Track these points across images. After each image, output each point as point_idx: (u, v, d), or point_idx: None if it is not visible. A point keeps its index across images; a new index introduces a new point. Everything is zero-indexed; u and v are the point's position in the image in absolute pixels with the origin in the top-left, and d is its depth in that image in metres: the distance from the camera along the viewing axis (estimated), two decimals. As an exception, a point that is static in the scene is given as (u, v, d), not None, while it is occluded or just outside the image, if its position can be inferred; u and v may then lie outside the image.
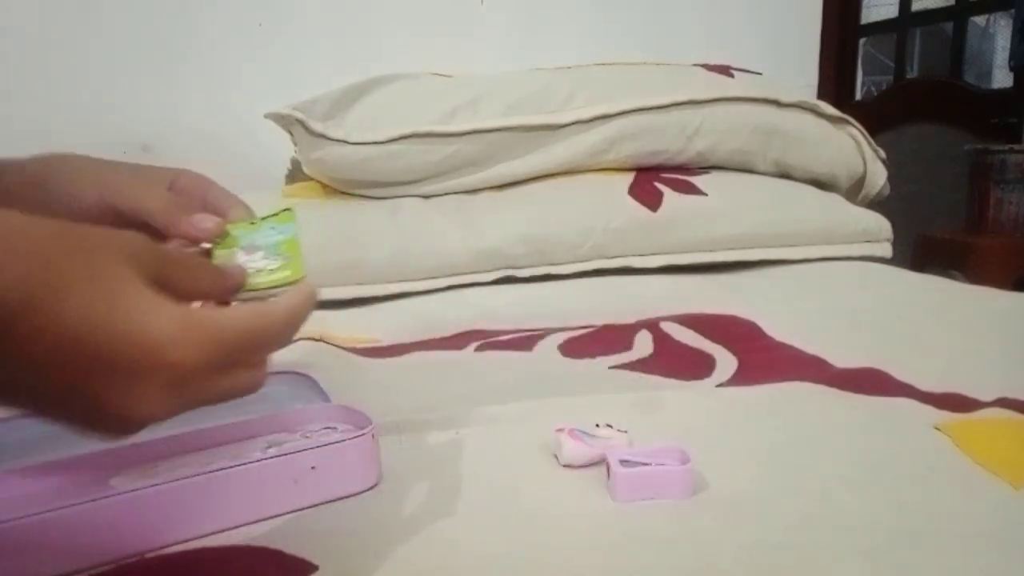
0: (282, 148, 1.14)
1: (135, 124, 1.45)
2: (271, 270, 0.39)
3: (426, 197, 1.03)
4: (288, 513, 0.39)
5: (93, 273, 0.27)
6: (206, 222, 0.42)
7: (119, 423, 0.29)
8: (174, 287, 0.31)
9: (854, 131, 1.19)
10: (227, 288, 0.36)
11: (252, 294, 0.38)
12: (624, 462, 0.41)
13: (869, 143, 1.20)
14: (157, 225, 0.42)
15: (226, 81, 1.48)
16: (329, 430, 0.45)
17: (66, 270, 0.27)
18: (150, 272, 0.30)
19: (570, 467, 0.43)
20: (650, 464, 0.41)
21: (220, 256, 0.41)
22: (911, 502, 0.39)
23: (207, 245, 0.42)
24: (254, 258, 0.40)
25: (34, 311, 0.25)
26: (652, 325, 0.74)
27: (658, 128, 1.06)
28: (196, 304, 0.33)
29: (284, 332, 0.33)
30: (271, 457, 0.39)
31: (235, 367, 0.31)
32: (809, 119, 1.15)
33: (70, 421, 0.29)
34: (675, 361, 0.65)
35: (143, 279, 0.29)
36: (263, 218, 0.43)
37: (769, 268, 1.02)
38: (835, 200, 1.13)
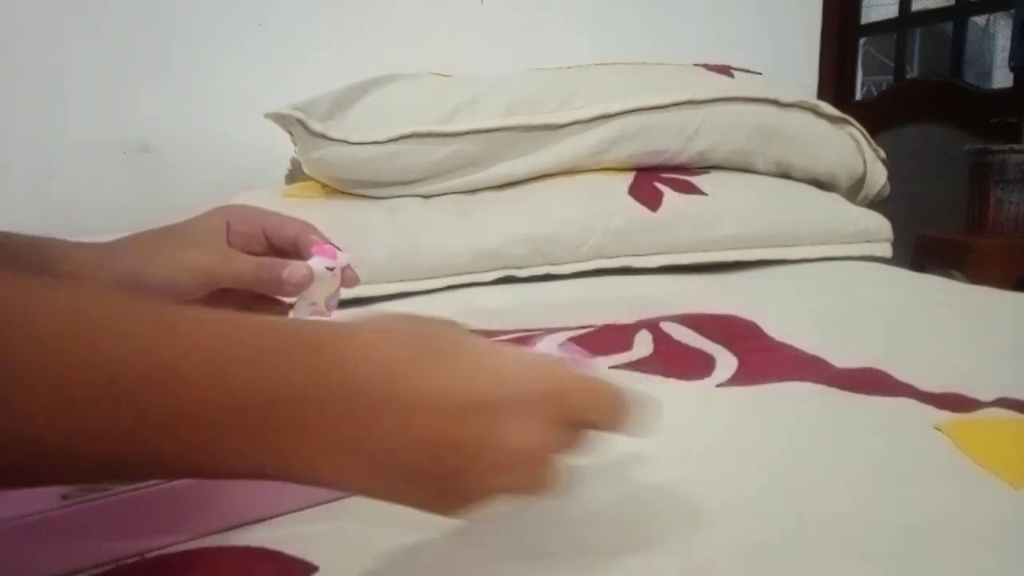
0: (282, 148, 1.14)
1: (135, 124, 1.45)
2: None
3: (426, 197, 1.03)
4: (288, 513, 0.39)
5: (438, 345, 0.30)
6: (297, 275, 0.44)
7: (506, 461, 0.29)
8: None
9: (854, 131, 1.19)
10: None
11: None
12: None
13: (869, 143, 1.19)
14: (254, 290, 0.43)
15: (226, 81, 1.48)
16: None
17: (425, 347, 0.29)
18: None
19: None
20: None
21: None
22: (911, 502, 0.39)
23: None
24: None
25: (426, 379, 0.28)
26: (652, 325, 0.74)
27: (658, 128, 1.06)
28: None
29: (613, 405, 0.32)
30: (271, 457, 0.39)
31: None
32: (809, 119, 1.15)
33: (440, 483, 0.29)
34: (675, 361, 0.65)
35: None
36: None
37: (769, 268, 1.02)
38: (835, 200, 1.13)
